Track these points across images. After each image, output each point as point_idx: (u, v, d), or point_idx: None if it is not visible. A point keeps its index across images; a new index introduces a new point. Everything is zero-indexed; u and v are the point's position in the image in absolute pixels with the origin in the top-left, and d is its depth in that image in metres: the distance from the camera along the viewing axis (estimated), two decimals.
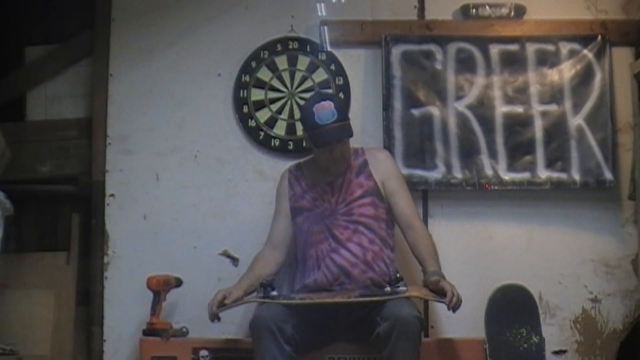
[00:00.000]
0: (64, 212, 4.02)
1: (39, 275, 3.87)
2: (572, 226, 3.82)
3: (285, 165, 3.72)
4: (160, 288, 3.58)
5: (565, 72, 3.85)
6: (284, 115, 3.91)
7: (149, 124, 3.93)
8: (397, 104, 3.84)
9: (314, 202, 3.48)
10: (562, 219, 3.83)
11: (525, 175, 3.79)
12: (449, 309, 3.16)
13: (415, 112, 3.85)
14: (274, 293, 3.27)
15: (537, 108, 3.84)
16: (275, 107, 3.91)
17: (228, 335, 3.62)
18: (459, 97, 3.85)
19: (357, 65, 3.94)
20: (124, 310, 3.80)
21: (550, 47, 3.86)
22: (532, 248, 3.82)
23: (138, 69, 3.96)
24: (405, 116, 3.84)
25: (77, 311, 3.85)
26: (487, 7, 3.91)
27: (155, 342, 3.48)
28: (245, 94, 3.92)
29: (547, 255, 3.81)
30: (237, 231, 3.85)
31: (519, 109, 3.84)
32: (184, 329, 3.56)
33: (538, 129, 3.82)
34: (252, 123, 3.90)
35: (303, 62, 3.93)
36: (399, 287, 3.18)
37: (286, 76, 3.93)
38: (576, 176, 3.79)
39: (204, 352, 3.44)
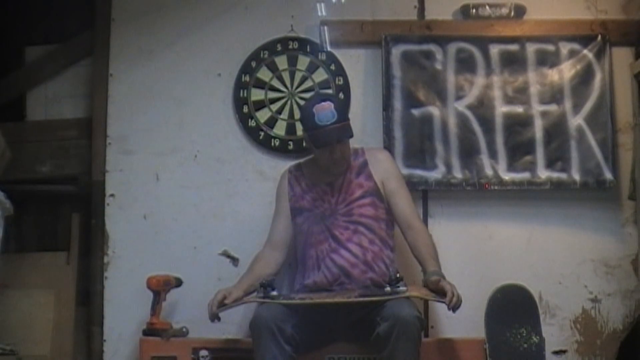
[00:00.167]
0: (64, 212, 4.02)
1: (39, 275, 3.87)
2: (572, 226, 3.82)
3: (285, 165, 3.72)
4: (160, 288, 3.58)
5: (565, 72, 3.85)
6: (284, 115, 3.91)
7: (149, 124, 3.93)
8: (397, 104, 3.84)
9: (314, 203, 3.48)
10: (562, 219, 3.83)
11: (525, 175, 3.79)
12: (449, 309, 3.16)
13: (415, 112, 3.85)
14: (274, 293, 3.27)
15: (537, 108, 3.84)
16: (275, 107, 3.92)
17: (228, 335, 3.62)
18: (459, 97, 3.85)
19: (357, 65, 3.94)
20: (124, 310, 3.80)
21: (550, 47, 3.86)
22: (532, 248, 3.82)
23: (138, 69, 3.96)
24: (405, 116, 3.84)
25: (77, 311, 3.85)
26: (487, 7, 3.91)
27: (155, 342, 3.48)
28: (245, 94, 3.92)
29: (547, 255, 3.81)
30: (237, 231, 3.85)
31: (519, 109, 3.84)
32: (184, 329, 3.56)
33: (538, 129, 3.82)
34: (252, 123, 3.91)
35: (303, 62, 3.93)
36: (399, 287, 3.18)
37: (286, 76, 3.93)
38: (576, 176, 3.79)
39: (204, 352, 3.44)
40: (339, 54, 3.92)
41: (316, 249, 3.43)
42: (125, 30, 3.97)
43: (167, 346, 3.47)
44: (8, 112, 4.04)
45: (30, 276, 3.86)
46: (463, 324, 3.52)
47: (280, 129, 3.90)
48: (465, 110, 3.84)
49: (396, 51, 3.87)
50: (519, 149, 3.81)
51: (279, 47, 3.94)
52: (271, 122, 3.90)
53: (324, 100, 3.38)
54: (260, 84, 3.92)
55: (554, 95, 3.84)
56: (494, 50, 3.87)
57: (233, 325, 3.72)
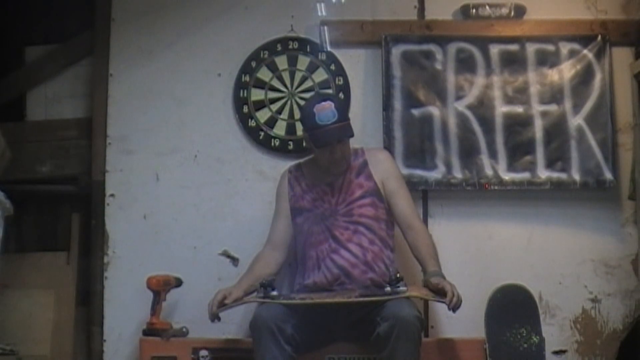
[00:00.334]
0: (64, 212, 4.02)
1: (39, 275, 3.87)
2: (572, 226, 3.82)
3: (285, 165, 3.72)
4: (160, 288, 3.58)
5: (565, 72, 3.85)
6: (284, 115, 3.91)
7: (149, 124, 3.93)
8: (397, 104, 3.84)
9: (314, 203, 3.48)
10: (562, 219, 3.83)
11: (525, 175, 3.79)
12: (449, 309, 3.16)
13: (415, 112, 3.85)
14: (274, 293, 3.27)
15: (537, 108, 3.84)
16: (275, 107, 3.92)
17: (228, 335, 3.62)
18: (459, 97, 3.85)
19: (357, 65, 3.94)
20: (124, 310, 3.80)
21: (550, 47, 3.86)
22: (532, 248, 3.82)
23: (138, 69, 3.96)
24: (405, 116, 3.84)
25: (77, 311, 3.85)
26: (487, 7, 3.92)
27: (155, 342, 3.48)
28: (245, 94, 3.92)
29: (547, 255, 3.81)
30: (237, 231, 3.85)
31: (519, 109, 3.84)
32: (184, 329, 3.56)
33: (538, 129, 3.82)
34: (252, 123, 3.91)
35: (303, 62, 3.93)
36: (399, 287, 3.18)
37: (286, 76, 3.93)
38: (576, 176, 3.79)
39: (204, 352, 3.44)
40: (339, 54, 3.92)
41: (316, 249, 3.43)
42: (125, 30, 3.97)
43: (167, 346, 3.47)
44: (8, 112, 4.04)
45: (30, 276, 3.86)
46: (463, 324, 3.52)
47: (280, 129, 3.90)
48: (465, 110, 3.84)
49: (396, 51, 3.87)
50: (519, 149, 3.81)
51: (279, 47, 3.94)
52: (271, 122, 3.90)
53: (325, 100, 3.38)
54: (260, 84, 3.92)
55: (554, 95, 3.85)
56: (494, 50, 3.87)
57: (233, 325, 3.72)
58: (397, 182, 3.52)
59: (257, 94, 3.92)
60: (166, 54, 3.96)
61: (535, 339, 3.41)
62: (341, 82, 3.91)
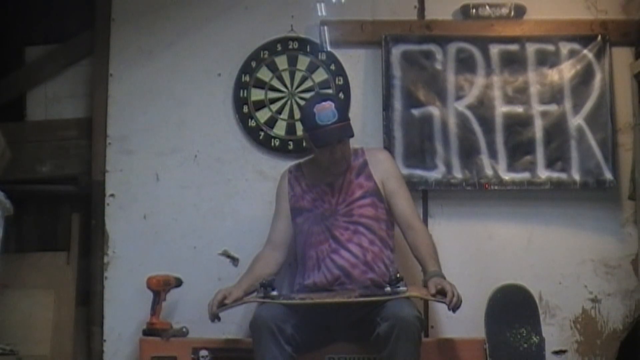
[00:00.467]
0: (64, 212, 4.02)
1: (39, 275, 3.87)
2: (572, 226, 3.82)
3: (285, 165, 3.72)
4: (160, 288, 3.57)
5: (565, 72, 3.85)
6: (284, 115, 3.91)
7: (149, 124, 3.93)
8: (397, 104, 3.84)
9: (314, 203, 3.48)
10: (562, 219, 3.83)
11: (525, 175, 3.79)
12: (449, 309, 3.16)
13: (415, 112, 3.85)
14: (274, 293, 3.27)
15: (537, 108, 3.84)
16: (275, 107, 3.91)
17: (228, 335, 3.62)
18: (459, 97, 3.85)
19: (357, 65, 3.94)
20: (124, 310, 3.80)
21: (550, 47, 3.86)
22: (532, 248, 3.82)
23: (138, 69, 3.96)
24: (405, 116, 3.84)
25: (77, 311, 3.85)
26: (487, 7, 3.92)
27: (155, 342, 3.48)
28: (245, 94, 3.92)
29: (547, 255, 3.81)
30: (237, 231, 3.85)
31: (519, 109, 3.84)
32: (184, 329, 3.56)
33: (538, 129, 3.82)
34: (252, 123, 3.90)
35: (303, 62, 3.93)
36: (399, 287, 3.18)
37: (286, 76, 3.93)
38: (576, 176, 3.79)
39: (204, 352, 3.44)
40: (339, 54, 3.92)
41: (316, 250, 3.43)
42: (125, 30, 3.97)
43: (167, 346, 3.47)
44: (8, 112, 4.04)
45: (30, 276, 3.86)
46: (463, 324, 3.51)
47: (280, 129, 3.90)
48: (465, 110, 3.84)
49: (396, 51, 3.86)
50: (519, 149, 3.81)
51: (279, 47, 3.94)
52: (271, 122, 3.90)
53: (325, 100, 3.38)
54: (260, 84, 3.92)
55: (554, 95, 3.85)
56: (494, 50, 3.87)
57: (233, 325, 3.72)
58: (397, 182, 3.52)
59: (257, 94, 3.92)
60: (166, 54, 3.96)
61: (535, 339, 3.41)
62: (341, 82, 3.91)
